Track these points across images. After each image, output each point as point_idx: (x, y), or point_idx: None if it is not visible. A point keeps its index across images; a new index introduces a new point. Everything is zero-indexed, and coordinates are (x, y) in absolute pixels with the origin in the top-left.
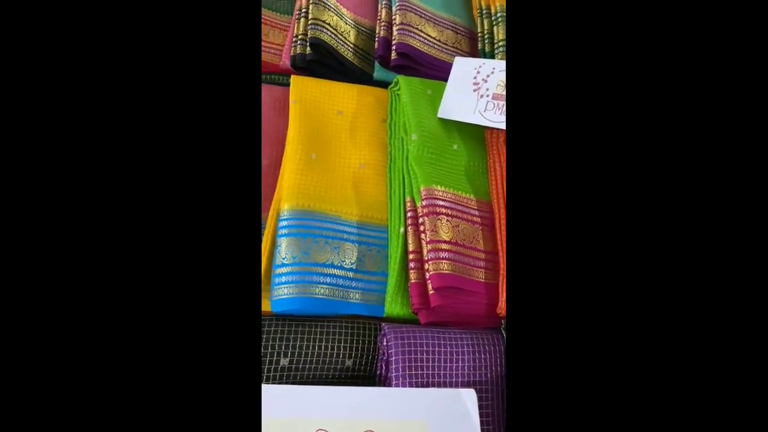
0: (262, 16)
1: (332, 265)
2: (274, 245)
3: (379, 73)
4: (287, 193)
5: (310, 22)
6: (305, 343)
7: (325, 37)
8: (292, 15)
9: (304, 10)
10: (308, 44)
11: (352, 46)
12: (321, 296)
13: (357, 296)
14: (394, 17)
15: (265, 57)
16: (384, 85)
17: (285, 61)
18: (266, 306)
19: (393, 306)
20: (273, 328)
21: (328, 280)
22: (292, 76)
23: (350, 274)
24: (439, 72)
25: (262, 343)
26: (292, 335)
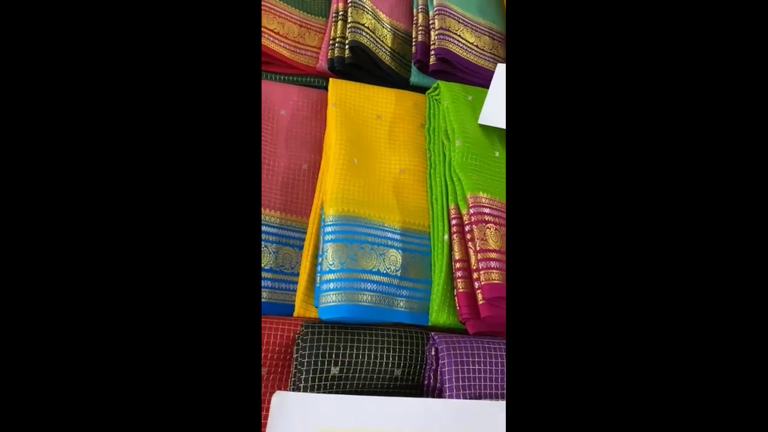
0: (299, 19)
1: (378, 272)
2: (317, 250)
3: (415, 77)
4: (331, 198)
5: (349, 25)
6: (355, 351)
7: (364, 41)
8: (326, 17)
9: (341, 12)
10: (348, 47)
11: (389, 49)
12: (367, 303)
13: (402, 304)
14: (432, 22)
15: (301, 59)
16: (419, 89)
17: (322, 64)
18: (309, 312)
19: (439, 315)
20: (323, 336)
21: (374, 287)
22: (331, 79)
23: (395, 281)
24: (477, 77)
25: (313, 351)
26: (342, 343)
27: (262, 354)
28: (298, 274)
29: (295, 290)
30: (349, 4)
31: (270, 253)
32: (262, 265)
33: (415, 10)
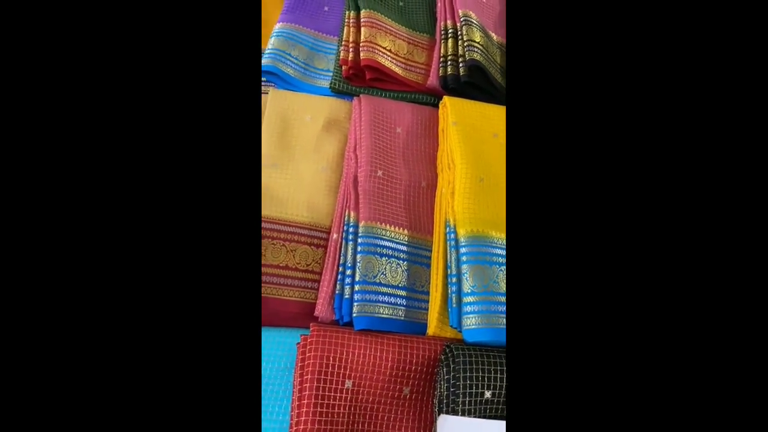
0: (407, 36)
1: None
2: (446, 269)
3: None
4: (462, 218)
5: (466, 43)
6: (502, 375)
7: (480, 58)
8: (429, 33)
9: (450, 30)
10: (464, 66)
11: (499, 67)
12: (503, 326)
13: None
14: None
15: (412, 76)
16: None
17: (432, 81)
18: (444, 331)
19: None
20: (474, 359)
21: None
22: (449, 97)
23: None
24: None
25: (467, 374)
26: (493, 366)
27: (406, 374)
28: (427, 293)
29: (424, 308)
30: (462, 22)
31: (403, 271)
32: (397, 282)
33: None
